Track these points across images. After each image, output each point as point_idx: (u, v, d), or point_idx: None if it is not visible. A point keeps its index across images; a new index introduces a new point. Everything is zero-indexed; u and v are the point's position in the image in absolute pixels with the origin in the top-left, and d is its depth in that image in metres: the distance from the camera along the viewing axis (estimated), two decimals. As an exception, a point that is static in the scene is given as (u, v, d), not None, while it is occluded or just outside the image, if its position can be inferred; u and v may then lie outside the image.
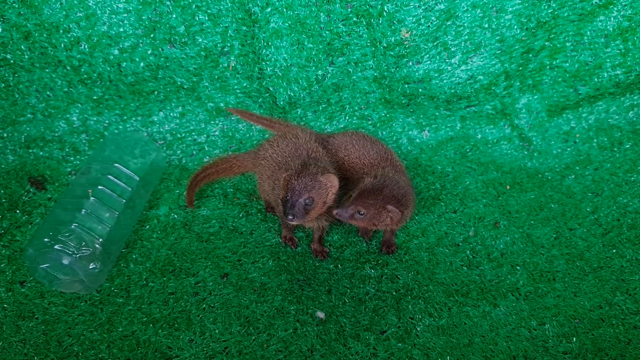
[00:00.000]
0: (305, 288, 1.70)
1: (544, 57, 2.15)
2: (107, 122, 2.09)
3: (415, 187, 2.09)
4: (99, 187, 1.75)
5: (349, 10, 1.92)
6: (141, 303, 1.63)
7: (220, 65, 2.02)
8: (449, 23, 1.98)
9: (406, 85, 2.11)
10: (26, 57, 1.91)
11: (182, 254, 1.79)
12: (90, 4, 1.83)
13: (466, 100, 2.20)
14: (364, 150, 1.85)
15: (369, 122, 2.24)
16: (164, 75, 2.01)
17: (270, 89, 2.07)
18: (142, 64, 1.96)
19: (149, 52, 1.94)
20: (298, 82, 2.06)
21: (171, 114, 2.13)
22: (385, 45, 1.99)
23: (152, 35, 1.91)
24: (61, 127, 2.07)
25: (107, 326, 1.57)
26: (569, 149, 2.25)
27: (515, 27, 2.02)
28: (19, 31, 1.85)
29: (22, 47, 1.89)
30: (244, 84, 2.08)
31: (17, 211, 1.87)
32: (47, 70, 1.95)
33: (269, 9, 1.89)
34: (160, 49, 1.94)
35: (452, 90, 2.14)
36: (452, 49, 2.04)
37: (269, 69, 2.01)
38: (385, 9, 1.90)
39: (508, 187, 2.09)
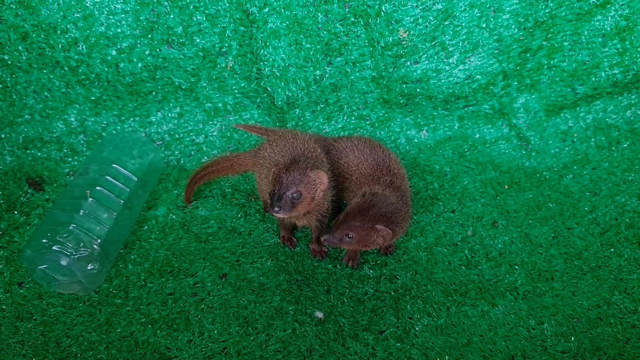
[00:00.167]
0: (304, 288, 1.70)
1: (542, 57, 2.15)
2: (105, 122, 2.09)
3: (414, 186, 2.09)
4: (97, 187, 1.74)
5: (347, 10, 1.92)
6: (140, 304, 1.63)
7: (218, 66, 2.01)
8: (446, 23, 1.98)
9: (404, 85, 2.11)
10: (24, 58, 1.91)
11: (180, 255, 1.79)
12: (87, 5, 1.82)
13: (464, 100, 2.20)
14: (363, 158, 1.81)
15: (367, 122, 2.24)
16: (161, 76, 2.01)
17: (269, 89, 2.07)
18: (140, 65, 1.96)
19: (147, 52, 1.94)
20: (296, 82, 2.06)
21: (169, 115, 2.13)
22: (383, 45, 1.99)
23: (149, 36, 1.91)
24: (59, 127, 2.06)
25: (106, 327, 1.56)
26: (566, 149, 2.25)
27: (513, 26, 2.02)
28: (16, 32, 1.85)
29: (20, 47, 1.88)
30: (242, 84, 2.08)
31: (15, 212, 1.87)
32: (45, 71, 1.95)
33: (266, 9, 1.89)
34: (158, 50, 1.94)
35: (450, 90, 2.14)
36: (450, 49, 2.04)
37: (267, 69, 2.01)
38: (383, 9, 1.90)
39: (506, 186, 2.10)
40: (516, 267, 1.78)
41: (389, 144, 2.24)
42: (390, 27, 1.94)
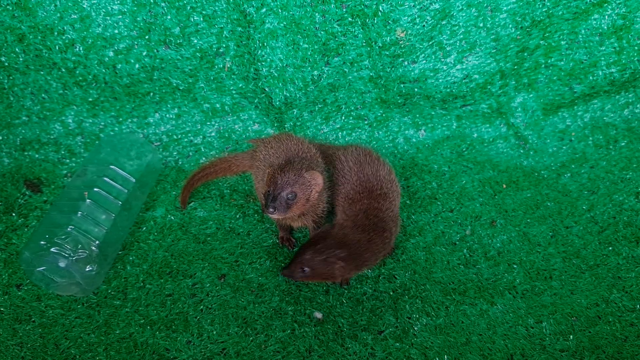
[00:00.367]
0: (303, 288, 1.70)
1: (539, 56, 2.15)
2: (102, 124, 2.09)
3: (412, 186, 2.09)
4: (95, 189, 1.74)
5: (344, 10, 1.92)
6: (138, 305, 1.63)
7: (216, 66, 2.01)
8: (444, 22, 1.98)
9: (402, 85, 2.11)
10: (21, 59, 1.90)
11: (179, 256, 1.79)
12: (84, 6, 1.82)
13: (462, 100, 2.20)
14: (348, 177, 1.73)
15: (365, 122, 2.24)
16: (159, 77, 2.01)
17: (266, 89, 2.07)
18: (137, 66, 1.96)
19: (144, 53, 1.94)
20: (294, 82, 2.06)
21: (167, 116, 2.12)
22: (380, 45, 1.99)
23: (147, 37, 1.91)
24: (56, 129, 2.06)
25: (105, 329, 1.56)
26: (564, 147, 2.25)
27: (510, 26, 2.02)
28: (13, 33, 1.84)
29: (17, 49, 1.88)
30: (240, 85, 2.08)
31: (13, 214, 1.87)
32: (42, 73, 1.94)
33: (264, 10, 1.89)
34: (155, 51, 1.94)
35: (448, 90, 2.14)
36: (448, 48, 2.04)
37: (264, 70, 2.01)
38: (380, 8, 1.90)
39: (504, 185, 2.10)
40: (515, 266, 1.78)
41: (387, 144, 2.24)
42: (388, 27, 1.94)
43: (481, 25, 2.00)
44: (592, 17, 2.06)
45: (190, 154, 2.15)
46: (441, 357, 1.52)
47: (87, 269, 1.56)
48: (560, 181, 2.12)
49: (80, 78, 1.97)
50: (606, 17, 2.06)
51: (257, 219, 1.94)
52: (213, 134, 2.16)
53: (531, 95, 2.26)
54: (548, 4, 2.00)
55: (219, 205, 1.97)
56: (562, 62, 2.17)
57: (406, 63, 2.05)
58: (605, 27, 2.08)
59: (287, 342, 1.55)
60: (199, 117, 2.14)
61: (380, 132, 2.25)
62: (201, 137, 2.15)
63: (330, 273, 1.54)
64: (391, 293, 1.69)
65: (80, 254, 1.55)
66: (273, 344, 1.54)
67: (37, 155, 2.05)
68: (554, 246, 1.85)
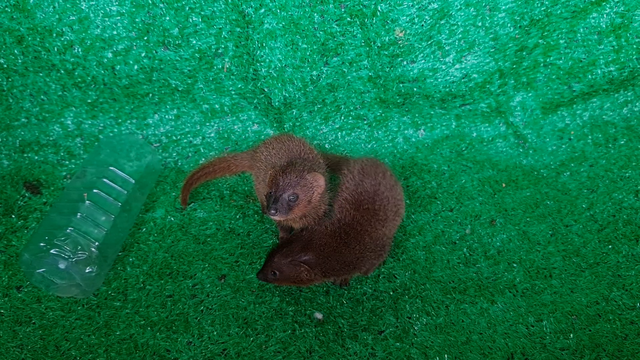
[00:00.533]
0: (303, 289, 1.70)
1: (538, 55, 2.16)
2: (101, 125, 2.08)
3: (412, 185, 2.09)
4: (95, 190, 1.74)
5: (343, 10, 1.92)
6: (139, 306, 1.63)
7: (215, 67, 2.01)
8: (442, 22, 1.98)
9: (401, 85, 2.11)
10: (19, 61, 1.90)
11: (179, 257, 1.79)
12: (83, 7, 1.82)
13: (461, 99, 2.21)
14: (348, 184, 1.68)
15: (365, 122, 2.24)
16: (158, 78, 2.01)
17: (265, 89, 2.07)
18: (136, 67, 1.96)
19: (143, 54, 1.94)
20: (293, 82, 2.06)
21: (166, 117, 2.12)
22: (379, 44, 1.99)
23: (145, 38, 1.91)
24: (56, 131, 2.06)
25: (105, 330, 1.56)
26: (563, 146, 2.26)
27: (509, 25, 2.02)
28: (12, 35, 1.84)
29: (16, 51, 1.88)
30: (239, 85, 2.08)
31: (13, 216, 1.86)
32: (41, 74, 1.94)
33: (262, 10, 1.89)
34: (154, 52, 1.94)
35: (447, 89, 2.14)
36: (446, 48, 2.04)
37: (263, 70, 2.01)
38: (379, 8, 1.90)
39: (504, 184, 2.10)
40: (514, 264, 1.78)
41: (387, 144, 2.24)
42: (387, 27, 1.95)
43: (480, 24, 2.00)
44: (591, 16, 2.06)
45: (190, 154, 2.15)
46: (441, 356, 1.52)
47: (87, 271, 1.56)
48: (560, 180, 2.12)
49: (79, 79, 1.97)
50: (605, 15, 2.06)
51: (257, 220, 1.94)
52: (212, 134, 2.16)
53: (530, 94, 2.26)
54: (547, 2, 2.00)
55: (218, 206, 1.97)
56: (561, 61, 2.17)
57: (405, 63, 2.05)
58: (604, 26, 2.08)
59: (287, 342, 1.55)
60: (198, 117, 2.14)
61: (379, 132, 2.25)
62: (200, 137, 2.15)
63: (297, 277, 1.52)
64: (391, 293, 1.69)
65: (80, 255, 1.55)
66: (274, 345, 1.54)
67: (36, 157, 2.04)
68: (554, 245, 1.86)
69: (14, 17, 1.81)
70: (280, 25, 1.93)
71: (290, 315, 1.62)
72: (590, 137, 2.27)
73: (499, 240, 1.87)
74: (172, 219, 1.92)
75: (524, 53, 2.13)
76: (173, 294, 1.67)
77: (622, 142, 2.24)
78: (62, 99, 2.01)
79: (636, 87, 2.27)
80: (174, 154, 2.14)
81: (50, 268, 1.54)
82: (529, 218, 1.95)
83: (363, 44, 2.01)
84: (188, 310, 1.62)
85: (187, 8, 1.87)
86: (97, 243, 1.61)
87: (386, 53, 2.02)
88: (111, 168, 1.84)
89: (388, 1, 1.89)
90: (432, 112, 2.24)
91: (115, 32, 1.88)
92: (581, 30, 2.10)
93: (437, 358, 1.52)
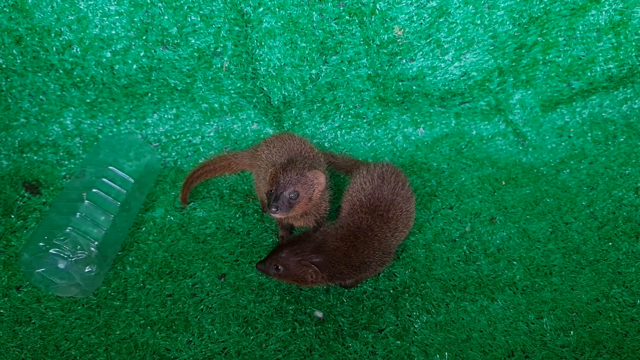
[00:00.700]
0: (304, 288, 1.69)
1: (537, 53, 2.15)
2: (101, 125, 2.08)
3: (412, 184, 2.09)
4: (94, 190, 1.74)
5: (341, 8, 1.91)
6: (138, 305, 1.63)
7: (214, 66, 2.01)
8: (441, 20, 1.98)
9: (400, 83, 2.11)
10: (18, 61, 1.90)
11: (178, 256, 1.78)
12: (81, 7, 1.82)
13: (460, 97, 2.20)
14: (366, 186, 1.67)
15: (364, 121, 2.24)
16: (157, 77, 2.01)
17: (265, 88, 2.07)
18: (135, 66, 1.96)
19: (142, 54, 1.94)
20: (292, 81, 2.06)
21: (165, 116, 2.12)
22: (378, 43, 1.99)
23: (144, 37, 1.90)
24: (55, 131, 2.06)
25: (105, 329, 1.56)
26: (563, 144, 2.25)
27: (508, 22, 2.02)
28: (10, 35, 1.84)
29: (14, 51, 1.88)
30: (238, 84, 2.07)
31: (12, 216, 1.86)
32: (40, 74, 1.94)
33: (261, 9, 1.89)
34: (152, 51, 1.94)
35: (446, 87, 2.14)
36: (445, 46, 2.04)
37: (262, 69, 2.01)
38: (378, 6, 1.90)
39: (503, 182, 2.10)
40: (514, 262, 1.78)
41: (386, 142, 2.24)
42: (385, 25, 1.94)
43: (479, 22, 2.00)
44: (590, 13, 2.06)
45: (189, 154, 2.14)
46: (442, 354, 1.52)
47: (87, 270, 1.56)
48: (560, 177, 2.12)
49: (78, 79, 1.96)
50: (603, 12, 2.06)
51: (257, 219, 1.93)
52: (212, 134, 2.16)
53: (529, 92, 2.26)
54: (545, 0, 2.00)
55: (218, 205, 1.97)
56: (560, 59, 2.17)
57: (404, 61, 2.05)
58: (603, 23, 2.08)
59: (287, 341, 1.55)
60: (198, 117, 2.14)
61: (379, 131, 2.25)
62: (200, 137, 2.15)
63: (302, 276, 1.51)
64: (391, 291, 1.69)
65: (79, 255, 1.55)
66: (274, 343, 1.54)
67: (35, 157, 2.04)
68: (554, 242, 1.85)
69: (13, 17, 1.80)
70: (279, 24, 1.93)
71: (291, 313, 1.62)
72: (589, 134, 2.26)
73: (499, 238, 1.87)
74: (172, 218, 1.91)
75: (523, 51, 2.13)
76: (173, 293, 1.67)
77: (622, 140, 2.24)
78: (61, 99, 2.01)
79: (635, 85, 2.27)
80: (174, 154, 2.14)
81: (49, 268, 1.54)
82: (528, 215, 1.95)
83: (362, 42, 2.01)
84: (188, 309, 1.62)
85: (186, 7, 1.87)
86: (96, 242, 1.61)
87: (385, 51, 2.01)
88: (110, 168, 1.84)
89: (387, -1, 1.89)
90: (432, 110, 2.24)
91: (113, 32, 1.88)
92: (580, 27, 2.09)
93: (438, 356, 1.52)
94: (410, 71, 2.08)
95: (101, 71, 1.95)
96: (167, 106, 2.10)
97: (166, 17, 1.87)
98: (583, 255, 1.81)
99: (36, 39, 1.85)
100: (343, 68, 2.08)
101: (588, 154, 2.20)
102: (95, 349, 1.51)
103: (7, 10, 1.79)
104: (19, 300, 1.63)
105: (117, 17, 1.85)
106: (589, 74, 2.19)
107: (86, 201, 1.70)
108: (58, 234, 1.57)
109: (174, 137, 2.14)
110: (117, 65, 1.95)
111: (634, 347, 1.54)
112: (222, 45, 1.97)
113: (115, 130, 2.09)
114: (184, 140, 2.15)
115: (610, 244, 1.84)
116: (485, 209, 1.98)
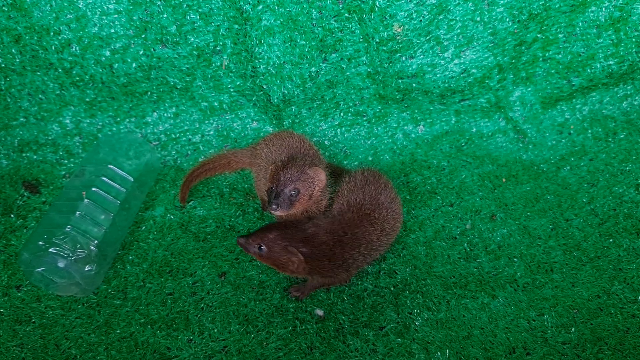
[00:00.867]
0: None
1: (537, 49, 2.15)
2: (100, 124, 2.08)
3: (412, 181, 2.09)
4: (94, 189, 1.74)
5: (341, 6, 1.91)
6: (139, 304, 1.63)
7: (213, 64, 2.01)
8: (441, 17, 1.97)
9: (400, 81, 2.11)
10: (17, 60, 1.90)
11: (179, 254, 1.78)
12: (80, 6, 1.81)
13: (460, 94, 2.20)
14: (355, 190, 1.66)
15: (364, 118, 2.23)
16: (156, 76, 2.00)
17: (264, 87, 2.06)
18: (134, 65, 1.95)
19: (141, 52, 1.93)
20: (291, 79, 2.06)
21: (165, 115, 2.12)
22: (377, 40, 1.98)
23: (143, 36, 1.90)
24: (54, 130, 2.06)
25: (105, 328, 1.56)
26: (563, 141, 2.25)
27: (507, 19, 2.02)
28: (9, 35, 1.84)
29: (13, 50, 1.88)
30: (238, 83, 2.07)
31: (12, 215, 1.86)
32: (39, 74, 1.94)
33: (260, 7, 1.88)
34: (152, 49, 1.93)
35: (446, 85, 2.13)
36: (445, 43, 2.03)
37: (262, 67, 2.01)
38: (377, 4, 1.89)
39: (504, 179, 2.09)
40: (515, 259, 1.78)
41: (386, 140, 2.23)
42: (385, 22, 1.94)
43: (478, 19, 2.00)
44: (589, 10, 2.06)
45: (189, 152, 2.14)
46: (443, 351, 1.52)
47: (87, 269, 1.56)
48: (560, 174, 2.12)
49: (77, 78, 1.96)
50: (603, 9, 2.05)
51: (257, 217, 1.93)
52: (211, 132, 2.16)
53: (529, 89, 2.26)
54: (545, -4, 2.00)
55: (218, 203, 1.97)
56: (560, 55, 2.16)
57: (404, 58, 2.05)
58: (603, 20, 2.08)
59: (288, 339, 1.54)
60: (197, 115, 2.14)
61: (379, 128, 2.24)
62: (200, 135, 2.15)
63: (284, 263, 1.47)
64: (392, 289, 1.69)
65: (79, 253, 1.55)
66: (274, 341, 1.54)
67: (35, 157, 2.04)
68: (555, 239, 1.85)
69: (11, 16, 1.80)
70: (278, 21, 1.92)
71: (291, 312, 1.61)
72: (590, 131, 2.26)
73: (500, 235, 1.86)
74: (172, 217, 1.91)
75: (523, 48, 2.13)
76: (173, 292, 1.66)
77: (622, 136, 2.23)
78: (61, 98, 2.01)
79: (635, 81, 2.26)
80: (173, 152, 2.13)
81: (49, 267, 1.53)
82: (529, 213, 1.95)
83: (361, 39, 2.01)
84: (188, 307, 1.62)
85: (185, 5, 1.87)
86: (96, 241, 1.60)
87: (385, 49, 2.01)
88: (110, 166, 1.83)
89: (386, -4, 1.89)
90: (432, 108, 2.24)
91: (112, 31, 1.88)
92: (580, 24, 2.09)
93: (439, 353, 1.51)
94: (410, 68, 2.08)
95: (100, 70, 1.95)
96: (166, 105, 2.10)
97: (165, 16, 1.87)
98: (584, 252, 1.80)
99: (35, 38, 1.85)
100: (343, 66, 2.07)
101: (588, 150, 2.20)
102: (96, 347, 1.51)
103: (6, 9, 1.79)
104: (19, 299, 1.62)
105: (116, 15, 1.85)
106: (589, 70, 2.19)
107: (86, 200, 1.69)
108: (58, 232, 1.57)
109: (173, 136, 2.14)
110: (117, 64, 1.94)
111: (635, 343, 1.53)
112: (221, 43, 1.96)
113: (114, 129, 2.09)
114: (184, 138, 2.14)
115: (611, 240, 1.84)
116: (486, 206, 1.97)
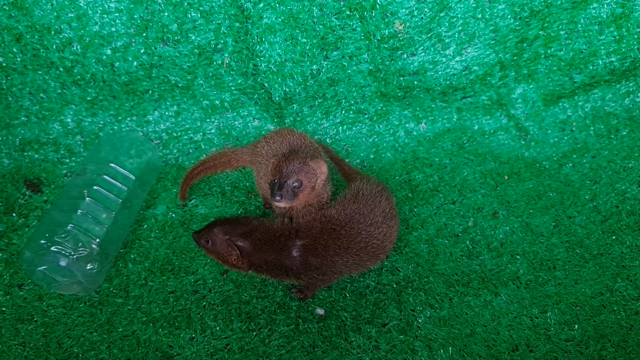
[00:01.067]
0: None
1: (539, 46, 2.14)
2: (101, 122, 2.08)
3: (414, 179, 2.08)
4: (95, 187, 1.74)
5: (342, 3, 1.91)
6: (141, 303, 1.62)
7: (214, 63, 2.00)
8: (442, 14, 1.97)
9: (401, 78, 2.10)
10: (18, 59, 1.90)
11: (180, 253, 1.78)
12: (81, 4, 1.81)
13: (462, 92, 2.20)
14: (345, 202, 1.59)
15: (366, 116, 2.23)
16: (157, 74, 2.00)
17: (265, 85, 2.06)
18: (135, 64, 1.95)
19: (142, 51, 1.93)
20: (293, 77, 2.05)
21: (166, 113, 2.12)
22: (379, 38, 1.98)
23: (144, 34, 1.90)
24: (56, 129, 2.06)
25: (107, 327, 1.56)
26: (566, 138, 2.25)
27: (509, 16, 2.01)
28: (10, 33, 1.84)
29: (14, 49, 1.87)
30: (239, 81, 2.07)
31: (14, 214, 1.86)
32: (40, 72, 1.94)
33: (261, 5, 1.88)
34: (153, 48, 1.93)
35: (448, 82, 2.13)
36: (446, 40, 2.03)
37: (263, 65, 2.01)
38: (378, 1, 1.89)
39: (506, 177, 2.09)
40: (518, 256, 1.77)
41: (388, 138, 2.23)
42: (386, 20, 1.94)
43: (480, 16, 1.99)
44: (591, 6, 2.05)
45: (191, 151, 2.14)
46: (445, 348, 1.51)
47: (88, 268, 1.55)
48: (562, 171, 2.11)
49: (79, 77, 1.96)
50: (605, 5, 2.05)
51: (259, 215, 1.93)
52: (213, 130, 2.15)
53: (531, 86, 2.25)
54: (546, -7, 1.99)
55: (220, 202, 1.96)
56: (562, 52, 2.16)
57: (405, 56, 2.04)
58: (605, 16, 2.07)
59: (291, 336, 1.54)
60: (199, 114, 2.14)
61: (380, 126, 2.24)
62: (201, 134, 2.15)
63: (225, 257, 1.47)
64: (394, 286, 1.69)
65: (80, 252, 1.54)
66: (277, 339, 1.53)
67: (36, 156, 2.04)
68: (557, 236, 1.85)
69: (12, 15, 1.80)
70: (280, 19, 1.92)
71: (294, 309, 1.61)
72: (592, 128, 2.25)
73: (502, 233, 1.86)
74: (174, 215, 1.91)
75: (525, 45, 2.12)
76: (175, 290, 1.66)
77: (625, 133, 2.23)
78: (62, 97, 2.01)
79: (638, 78, 2.26)
80: (175, 151, 2.13)
81: (51, 265, 1.53)
82: (531, 210, 1.94)
83: (363, 37, 2.00)
84: (190, 306, 1.61)
85: (186, 4, 1.86)
86: (98, 240, 1.60)
87: (386, 46, 2.01)
88: (111, 165, 1.83)
89: (387, -6, 1.89)
90: (433, 105, 2.23)
91: (113, 29, 1.87)
92: (582, 20, 2.08)
93: (441, 350, 1.51)
94: (412, 66, 2.07)
95: (101, 69, 1.95)
96: (168, 103, 2.10)
97: (166, 14, 1.87)
98: (587, 249, 1.80)
99: (36, 37, 1.85)
100: (344, 63, 2.07)
101: (591, 147, 2.19)
102: (98, 346, 1.51)
103: (7, 8, 1.79)
104: (21, 298, 1.62)
105: (117, 14, 1.85)
106: (591, 67, 2.18)
107: (87, 199, 1.69)
108: (59, 231, 1.56)
109: (175, 134, 2.13)
110: (118, 63, 1.94)
111: (638, 340, 1.53)
112: (222, 41, 1.96)
113: (116, 127, 2.09)
114: (185, 137, 2.14)
115: (614, 237, 1.83)
116: (488, 203, 1.97)
